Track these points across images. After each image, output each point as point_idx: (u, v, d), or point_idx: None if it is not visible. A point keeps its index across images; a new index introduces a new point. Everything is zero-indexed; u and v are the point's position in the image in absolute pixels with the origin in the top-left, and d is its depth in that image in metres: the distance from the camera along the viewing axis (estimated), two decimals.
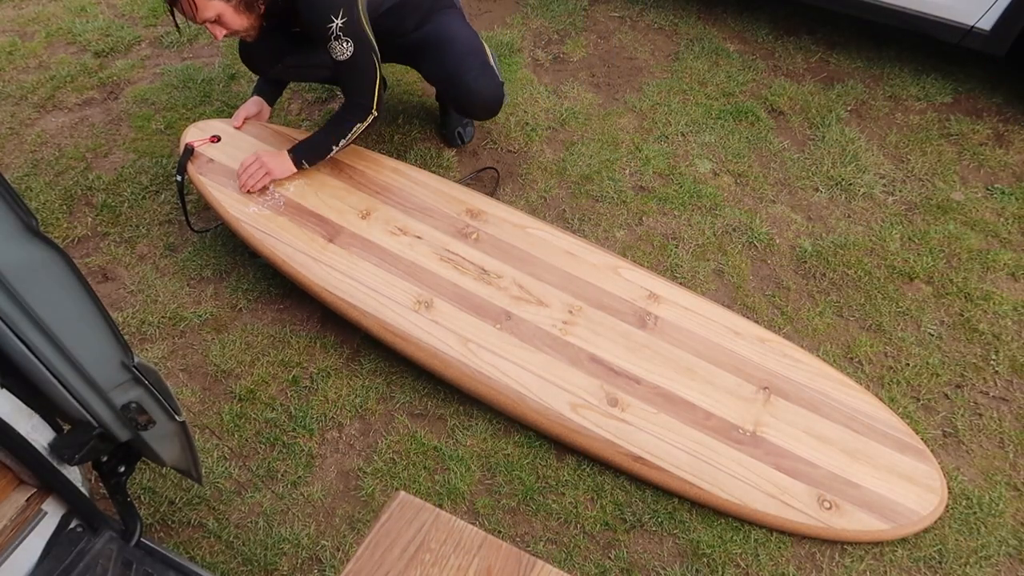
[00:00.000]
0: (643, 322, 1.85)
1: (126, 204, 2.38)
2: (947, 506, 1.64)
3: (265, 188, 2.04)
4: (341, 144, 1.98)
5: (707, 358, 1.79)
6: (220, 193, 2.04)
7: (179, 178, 2.13)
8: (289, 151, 2.01)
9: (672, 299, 1.90)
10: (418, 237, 2.00)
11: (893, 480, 1.62)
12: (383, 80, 1.92)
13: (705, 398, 1.73)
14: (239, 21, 1.76)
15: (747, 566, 1.57)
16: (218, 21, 1.74)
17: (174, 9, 1.74)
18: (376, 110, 1.92)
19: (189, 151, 2.12)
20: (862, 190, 2.33)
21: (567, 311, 1.86)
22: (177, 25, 1.83)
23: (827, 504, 1.59)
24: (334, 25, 1.72)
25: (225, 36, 1.80)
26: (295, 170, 2.04)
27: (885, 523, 1.57)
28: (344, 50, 1.77)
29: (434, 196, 2.10)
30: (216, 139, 2.16)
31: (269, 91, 2.26)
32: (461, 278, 1.91)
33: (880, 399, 1.78)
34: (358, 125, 1.95)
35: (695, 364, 1.78)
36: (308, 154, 2.02)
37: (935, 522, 1.60)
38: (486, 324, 1.83)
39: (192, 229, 2.25)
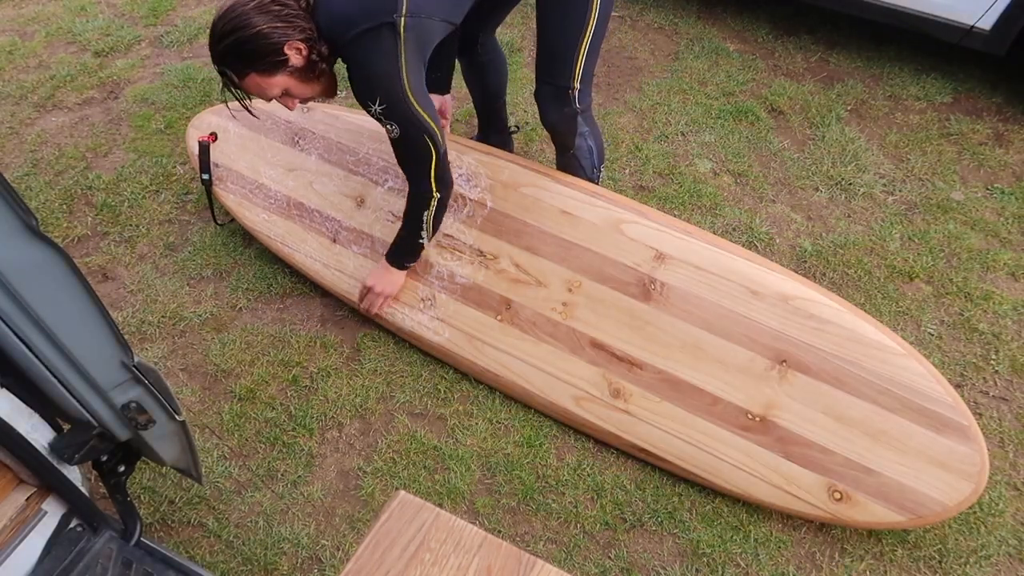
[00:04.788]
0: (647, 293, 1.71)
1: (126, 204, 2.38)
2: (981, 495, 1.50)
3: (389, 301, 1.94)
4: (427, 233, 1.81)
5: (717, 330, 1.64)
6: (231, 196, 2.08)
7: (205, 177, 2.15)
8: (387, 260, 1.90)
9: (681, 257, 1.71)
10: None
11: (920, 466, 1.45)
12: (444, 153, 1.70)
13: (713, 380, 1.62)
14: (308, 89, 1.64)
15: (747, 566, 1.57)
16: (287, 94, 1.63)
17: (231, 90, 1.60)
18: (438, 191, 1.72)
19: (206, 148, 2.13)
20: (862, 190, 2.33)
21: (566, 289, 1.77)
22: (248, 108, 1.68)
23: (838, 495, 1.50)
24: (373, 109, 1.60)
25: (303, 103, 1.69)
26: (404, 276, 1.93)
27: (902, 515, 1.46)
28: (392, 130, 1.64)
29: None
30: (214, 137, 2.16)
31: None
32: (460, 266, 1.89)
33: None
34: (426, 213, 1.75)
35: (703, 339, 1.64)
36: (405, 257, 1.89)
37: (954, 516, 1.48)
38: (488, 317, 1.83)
39: (218, 224, 2.28)
